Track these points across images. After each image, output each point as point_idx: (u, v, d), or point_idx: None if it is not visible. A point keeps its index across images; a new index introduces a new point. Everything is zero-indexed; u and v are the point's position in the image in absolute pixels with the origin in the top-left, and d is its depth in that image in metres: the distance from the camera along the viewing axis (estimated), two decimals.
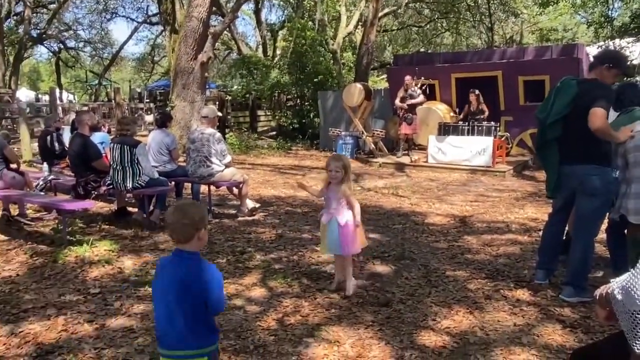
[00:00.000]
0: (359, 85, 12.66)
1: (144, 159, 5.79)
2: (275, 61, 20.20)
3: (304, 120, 16.56)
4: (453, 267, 4.52)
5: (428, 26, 27.54)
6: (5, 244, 5.15)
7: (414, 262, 4.66)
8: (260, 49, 24.53)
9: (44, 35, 29.99)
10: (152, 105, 21.67)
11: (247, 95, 18.65)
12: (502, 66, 11.92)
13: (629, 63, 12.99)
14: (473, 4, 23.06)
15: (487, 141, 10.23)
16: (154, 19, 29.82)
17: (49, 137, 7.34)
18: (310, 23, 18.88)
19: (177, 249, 2.14)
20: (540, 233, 4.33)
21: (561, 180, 3.83)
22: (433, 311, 3.58)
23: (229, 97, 19.48)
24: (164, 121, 6.94)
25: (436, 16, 25.81)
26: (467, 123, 10.88)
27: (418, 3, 24.34)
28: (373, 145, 12.29)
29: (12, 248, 5.02)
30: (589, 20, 22.71)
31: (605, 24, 20.81)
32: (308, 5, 22.05)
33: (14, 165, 6.14)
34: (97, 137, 6.79)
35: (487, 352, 3.02)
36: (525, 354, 3.00)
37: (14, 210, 6.19)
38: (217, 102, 17.97)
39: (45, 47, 33.50)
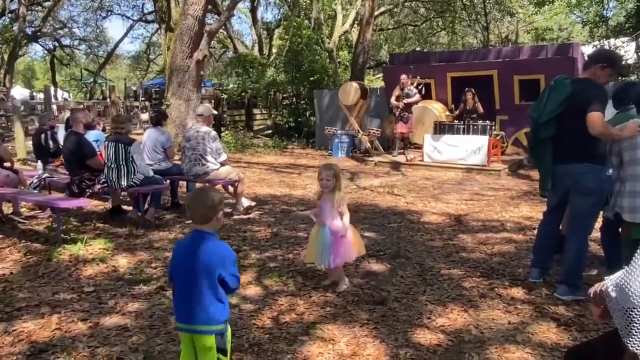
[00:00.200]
0: (354, 84, 12.65)
1: (139, 157, 5.78)
2: (271, 59, 20.14)
3: (299, 119, 16.53)
4: (448, 266, 4.53)
5: (424, 25, 27.55)
6: None
7: (409, 260, 4.67)
8: (256, 48, 24.45)
9: (38, 33, 29.80)
10: (147, 103, 21.56)
11: (243, 94, 18.59)
12: (498, 65, 11.94)
13: (623, 63, 13.03)
14: (469, 3, 23.07)
15: (483, 140, 10.26)
16: (150, 17, 29.80)
17: (43, 135, 7.32)
18: (306, 21, 18.85)
19: (196, 230, 2.36)
20: (535, 232, 4.35)
21: (555, 179, 3.84)
22: (428, 309, 3.59)
23: (224, 96, 19.43)
24: (159, 119, 6.94)
25: (432, 15, 25.81)
26: (462, 122, 10.91)
27: (414, 2, 24.35)
28: (369, 144, 12.29)
29: (6, 246, 4.99)
30: (584, 20, 22.77)
31: (600, 23, 20.89)
32: (304, 3, 22.00)
33: (7, 164, 6.11)
34: (91, 135, 6.77)
35: (482, 350, 3.03)
36: (520, 352, 3.01)
37: (8, 208, 6.17)
38: (213, 101, 17.96)
39: (40, 44, 33.39)
